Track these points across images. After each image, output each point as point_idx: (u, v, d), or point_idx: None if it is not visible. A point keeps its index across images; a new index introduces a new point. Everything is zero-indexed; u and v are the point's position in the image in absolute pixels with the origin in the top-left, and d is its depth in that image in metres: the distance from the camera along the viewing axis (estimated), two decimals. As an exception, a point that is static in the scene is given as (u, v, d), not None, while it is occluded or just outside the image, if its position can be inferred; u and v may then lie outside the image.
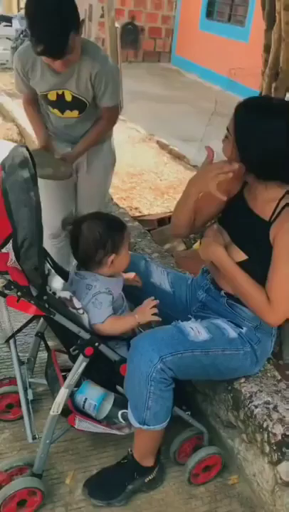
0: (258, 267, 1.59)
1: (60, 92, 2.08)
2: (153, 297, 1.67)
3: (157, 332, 1.60)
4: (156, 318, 1.64)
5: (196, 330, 1.61)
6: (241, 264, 1.61)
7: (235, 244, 1.66)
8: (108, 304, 1.60)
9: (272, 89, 2.64)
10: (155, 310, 1.64)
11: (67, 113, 2.15)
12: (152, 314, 1.64)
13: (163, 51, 11.13)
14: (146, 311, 1.64)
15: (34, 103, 2.26)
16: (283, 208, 1.56)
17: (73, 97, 2.09)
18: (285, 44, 2.52)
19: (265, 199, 1.61)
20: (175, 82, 9.18)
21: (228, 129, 1.57)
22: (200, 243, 1.76)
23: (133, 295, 1.77)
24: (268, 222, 1.59)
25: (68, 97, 2.09)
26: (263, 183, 1.58)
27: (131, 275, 1.80)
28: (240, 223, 1.67)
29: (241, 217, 1.68)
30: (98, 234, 1.58)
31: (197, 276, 1.93)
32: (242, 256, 1.62)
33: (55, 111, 2.17)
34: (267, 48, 2.70)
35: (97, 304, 1.59)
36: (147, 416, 1.53)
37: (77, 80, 2.05)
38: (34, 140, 4.87)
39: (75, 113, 2.15)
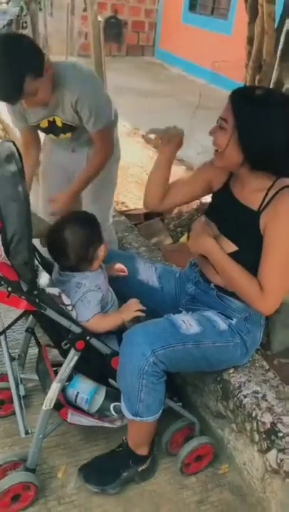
0: (249, 257, 1.59)
1: (50, 119, 2.15)
2: (137, 300, 1.69)
3: (149, 325, 1.61)
4: (140, 313, 1.66)
5: (188, 322, 1.63)
6: (232, 256, 1.61)
7: (224, 235, 1.66)
8: (97, 302, 1.61)
9: (256, 82, 2.66)
10: (140, 307, 1.67)
11: (62, 136, 2.24)
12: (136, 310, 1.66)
13: (146, 45, 11.09)
14: (132, 308, 1.66)
15: (30, 143, 2.33)
16: (273, 197, 1.56)
17: (63, 123, 2.15)
18: (267, 36, 2.53)
19: (253, 189, 1.61)
20: (159, 76, 9.16)
21: (223, 120, 1.53)
22: (187, 236, 1.77)
23: (120, 293, 1.77)
24: (256, 211, 1.60)
25: (59, 123, 2.16)
26: (253, 174, 1.59)
27: (115, 266, 1.82)
28: (228, 214, 1.67)
29: (229, 208, 1.68)
30: (84, 235, 1.59)
31: (185, 269, 1.94)
32: (232, 247, 1.63)
33: (50, 135, 2.27)
34: (250, 41, 2.70)
35: (86, 302, 1.59)
36: (140, 408, 1.55)
37: (62, 109, 2.09)
38: (19, 137, 4.84)
39: (69, 134, 2.23)
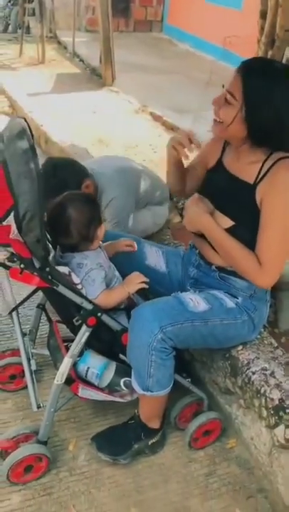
0: (246, 232, 1.58)
1: None
2: (139, 272, 1.70)
3: (158, 303, 1.62)
4: (144, 285, 1.68)
5: (195, 300, 1.63)
6: (228, 231, 1.60)
7: (219, 211, 1.64)
8: (101, 279, 1.62)
9: (269, 57, 2.61)
10: (143, 278, 1.68)
11: None
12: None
13: (154, 20, 10.85)
14: (135, 280, 1.67)
15: None
16: (269, 169, 1.54)
17: None
18: (281, 10, 2.48)
19: (248, 161, 1.59)
20: (167, 52, 9.00)
21: (230, 93, 1.50)
22: (181, 216, 1.77)
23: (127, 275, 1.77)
24: (252, 184, 1.57)
25: None
26: (252, 148, 1.57)
27: (123, 242, 1.83)
28: (223, 189, 1.65)
29: (223, 183, 1.66)
30: (87, 211, 1.60)
31: (187, 252, 1.94)
32: (228, 222, 1.61)
33: None
34: (263, 14, 2.65)
35: (90, 281, 1.60)
36: (150, 383, 1.57)
37: None
38: (26, 113, 4.81)
39: None
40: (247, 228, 1.58)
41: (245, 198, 1.58)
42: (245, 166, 1.60)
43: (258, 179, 1.56)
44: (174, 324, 1.55)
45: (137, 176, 2.47)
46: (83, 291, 1.59)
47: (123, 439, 1.75)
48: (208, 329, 1.63)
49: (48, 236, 1.68)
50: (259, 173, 1.56)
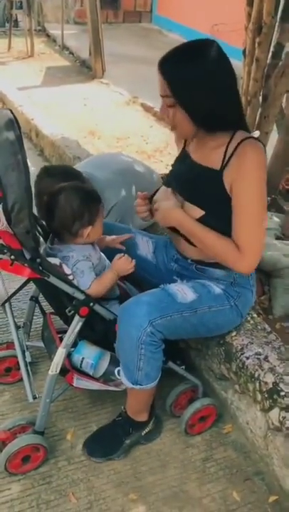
0: (217, 220, 1.56)
1: None
2: (122, 254, 1.69)
3: (145, 296, 1.61)
4: (131, 265, 1.67)
5: (183, 291, 1.63)
6: (200, 221, 1.58)
7: (189, 202, 1.62)
8: (89, 270, 1.62)
9: (256, 45, 2.61)
10: (130, 263, 1.67)
11: None
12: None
13: (144, 11, 10.78)
14: (122, 264, 1.66)
15: None
16: (233, 152, 1.51)
17: None
18: (268, -4, 2.47)
19: (211, 147, 1.57)
20: (157, 43, 8.95)
21: (164, 97, 1.49)
22: (150, 212, 1.72)
23: None
24: (218, 170, 1.54)
25: None
26: (211, 134, 1.55)
27: (113, 238, 1.83)
28: (190, 179, 1.62)
29: (189, 173, 1.64)
30: (76, 205, 1.57)
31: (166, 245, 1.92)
32: (198, 212, 1.58)
33: None
34: (250, 1, 2.64)
35: (79, 272, 1.60)
36: (139, 376, 1.58)
37: None
38: (17, 107, 4.79)
39: None
40: (218, 216, 1.56)
41: (213, 185, 1.55)
42: (209, 152, 1.58)
43: (224, 164, 1.53)
44: (163, 317, 1.55)
45: (135, 175, 2.46)
46: (75, 282, 1.60)
47: (113, 437, 1.75)
48: (198, 318, 1.63)
49: (38, 227, 1.70)
50: (224, 157, 1.53)
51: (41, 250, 1.62)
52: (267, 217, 1.58)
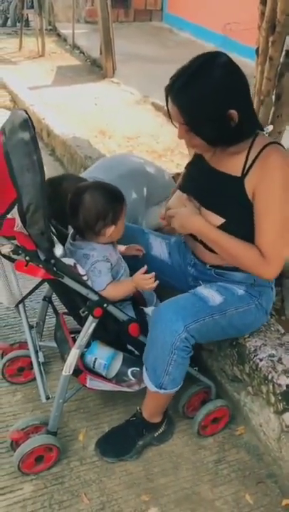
0: (238, 226, 1.55)
1: None
2: (146, 266, 1.66)
3: (178, 301, 1.61)
4: (153, 285, 1.63)
5: (210, 294, 1.63)
6: (220, 228, 1.56)
7: (206, 209, 1.60)
8: (107, 271, 1.62)
9: (270, 44, 2.58)
10: (150, 276, 1.63)
11: None
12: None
13: (154, 9, 10.76)
14: (143, 278, 1.63)
15: None
16: (255, 158, 1.50)
17: None
18: (281, -5, 2.44)
19: (229, 152, 1.55)
20: (168, 41, 8.93)
21: (179, 123, 1.49)
22: (164, 217, 1.68)
23: (135, 268, 1.75)
24: (239, 177, 1.52)
25: None
26: (230, 146, 1.53)
27: (126, 247, 1.81)
28: (208, 185, 1.59)
29: (207, 178, 1.61)
30: (100, 205, 1.57)
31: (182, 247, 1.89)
32: (218, 220, 1.56)
33: None
34: (263, 0, 2.62)
35: (96, 272, 1.60)
36: (165, 381, 1.58)
37: None
38: (28, 106, 4.80)
39: None
40: (239, 223, 1.55)
41: (234, 192, 1.53)
42: (228, 157, 1.56)
43: (245, 170, 1.51)
44: (197, 321, 1.55)
45: (144, 176, 2.44)
46: (89, 283, 1.59)
47: (126, 438, 1.75)
48: (227, 320, 1.63)
49: (53, 228, 1.69)
50: (245, 164, 1.51)
51: (60, 250, 1.62)
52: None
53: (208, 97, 1.41)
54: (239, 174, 1.53)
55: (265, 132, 1.59)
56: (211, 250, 1.64)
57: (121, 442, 1.75)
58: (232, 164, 1.55)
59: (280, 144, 1.53)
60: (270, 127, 1.66)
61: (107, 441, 1.77)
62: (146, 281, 1.63)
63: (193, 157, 1.70)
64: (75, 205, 1.59)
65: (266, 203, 1.50)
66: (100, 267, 1.61)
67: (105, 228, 1.60)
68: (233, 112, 1.43)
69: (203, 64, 1.45)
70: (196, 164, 1.68)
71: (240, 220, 1.54)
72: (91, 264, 1.60)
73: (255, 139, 1.53)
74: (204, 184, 1.62)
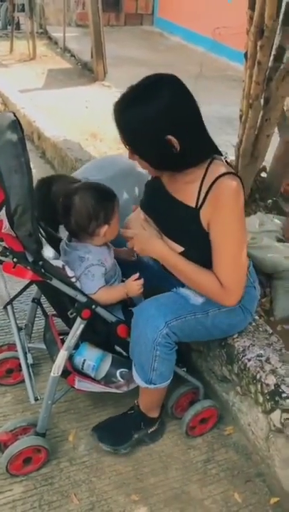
0: (198, 254, 1.55)
1: None
2: (138, 273, 1.68)
3: (160, 298, 1.63)
4: (141, 290, 1.66)
5: (193, 294, 1.64)
6: (180, 255, 1.56)
7: (167, 236, 1.59)
8: (100, 275, 1.63)
9: (258, 48, 2.61)
10: (141, 282, 1.66)
11: None
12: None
13: (145, 13, 10.79)
14: (135, 285, 1.66)
15: None
16: (209, 189, 1.48)
17: None
18: (269, 0, 2.48)
19: (185, 181, 1.54)
20: (158, 45, 8.97)
21: (127, 148, 1.50)
22: (122, 233, 1.66)
23: (125, 274, 1.77)
24: (195, 208, 1.51)
25: None
26: (180, 172, 1.52)
27: (123, 250, 1.81)
28: (167, 213, 1.58)
29: (165, 205, 1.59)
30: (91, 205, 1.58)
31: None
32: (178, 248, 1.56)
33: None
34: (251, 5, 2.63)
35: (90, 275, 1.61)
36: (153, 376, 1.60)
37: None
38: (19, 109, 4.80)
39: None
40: (198, 251, 1.55)
41: (191, 222, 1.53)
42: (183, 186, 1.55)
43: (200, 202, 1.51)
44: (178, 318, 1.57)
45: (136, 176, 2.44)
46: (77, 284, 1.60)
47: (123, 429, 1.77)
48: (210, 320, 1.65)
49: (42, 230, 1.70)
50: (199, 194, 1.50)
51: (49, 252, 1.63)
52: (246, 247, 1.57)
53: (148, 120, 1.39)
54: (194, 205, 1.52)
55: (223, 156, 1.57)
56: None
57: (118, 432, 1.77)
58: (186, 193, 1.54)
59: (234, 174, 1.51)
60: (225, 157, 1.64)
61: (105, 429, 1.79)
62: (137, 287, 1.65)
63: (152, 177, 1.69)
64: (67, 207, 1.59)
65: (221, 236, 1.50)
66: (94, 271, 1.62)
67: (99, 228, 1.60)
68: (172, 139, 1.40)
69: (149, 86, 1.42)
70: (154, 186, 1.66)
71: (200, 248, 1.54)
72: (85, 267, 1.61)
73: (209, 167, 1.51)
74: (162, 210, 1.60)
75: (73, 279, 1.60)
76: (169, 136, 1.40)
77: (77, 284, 1.60)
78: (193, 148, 1.47)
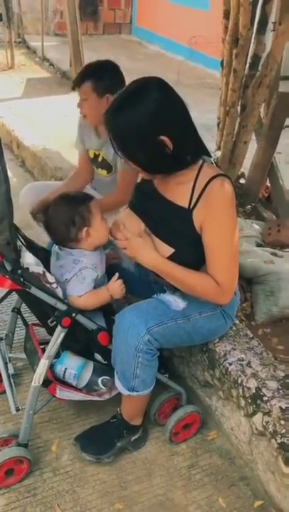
0: (187, 256, 1.56)
1: (96, 152, 2.33)
2: (117, 273, 1.70)
3: (141, 305, 1.63)
4: (123, 291, 1.69)
5: (174, 300, 1.65)
6: (170, 258, 1.56)
7: (157, 237, 1.59)
8: (91, 280, 1.64)
9: (233, 56, 2.65)
10: (121, 282, 1.68)
11: (99, 170, 2.38)
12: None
13: (123, 22, 10.87)
14: (117, 287, 1.68)
15: (82, 172, 2.47)
16: (202, 191, 1.50)
17: (103, 158, 2.31)
18: (243, 9, 2.51)
19: (177, 182, 1.55)
20: (137, 54, 9.03)
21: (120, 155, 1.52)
22: (111, 232, 1.63)
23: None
24: (187, 209, 1.52)
25: (100, 158, 2.33)
26: (173, 174, 1.54)
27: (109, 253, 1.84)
28: (158, 214, 1.58)
29: (155, 205, 1.60)
30: (63, 213, 1.61)
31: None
32: (168, 250, 1.56)
33: (93, 165, 2.43)
34: (226, 14, 2.68)
35: (81, 278, 1.62)
36: (136, 383, 1.59)
37: (107, 145, 2.16)
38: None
39: (104, 172, 2.35)
40: (188, 253, 1.56)
41: (183, 223, 1.54)
42: (175, 186, 1.56)
43: (193, 203, 1.52)
44: (159, 324, 1.57)
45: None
46: (58, 291, 1.60)
47: (106, 437, 1.76)
48: (191, 325, 1.65)
49: (21, 238, 1.69)
50: (192, 195, 1.52)
51: (29, 259, 1.62)
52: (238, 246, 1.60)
53: (140, 123, 1.41)
54: (186, 206, 1.53)
55: (212, 158, 1.60)
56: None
57: (101, 441, 1.76)
58: (179, 194, 1.55)
59: (225, 176, 1.53)
60: (218, 153, 1.67)
61: (88, 438, 1.77)
62: (119, 287, 1.67)
63: (141, 179, 1.70)
64: (46, 223, 1.65)
65: (216, 237, 1.51)
66: (85, 274, 1.63)
67: (79, 232, 1.62)
68: (165, 139, 1.42)
69: (137, 90, 1.44)
70: (144, 187, 1.67)
71: (189, 250, 1.55)
72: (79, 269, 1.63)
73: (201, 168, 1.53)
74: (153, 211, 1.60)
75: (54, 285, 1.59)
76: (162, 137, 1.42)
77: (59, 290, 1.60)
78: (186, 148, 1.49)
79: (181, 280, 1.58)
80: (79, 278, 1.62)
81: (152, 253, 1.56)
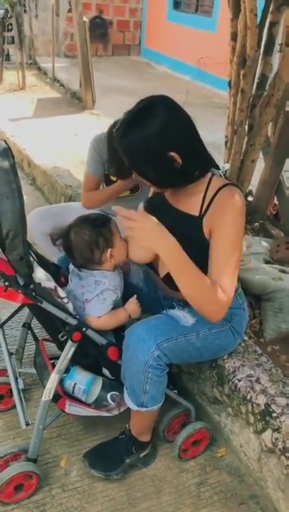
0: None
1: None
2: (135, 295, 1.73)
3: (151, 320, 1.64)
4: (140, 310, 1.72)
5: (183, 315, 1.66)
6: None
7: None
8: (111, 302, 1.67)
9: (241, 77, 2.71)
10: (138, 303, 1.72)
11: (124, 192, 2.38)
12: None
13: (132, 44, 11.11)
14: (132, 303, 1.72)
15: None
16: (212, 199, 1.54)
17: None
18: (250, 32, 2.57)
19: (188, 193, 1.59)
20: (146, 75, 9.19)
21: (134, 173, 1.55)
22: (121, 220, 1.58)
23: None
24: (198, 217, 1.56)
25: None
26: (183, 187, 1.58)
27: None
28: (169, 224, 1.51)
29: (165, 215, 1.58)
30: (88, 237, 1.63)
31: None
32: None
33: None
34: (234, 36, 2.75)
35: (102, 299, 1.65)
36: (145, 399, 1.60)
37: None
38: (9, 137, 4.87)
39: (126, 192, 2.37)
40: (196, 261, 1.53)
41: (193, 231, 1.56)
42: (186, 198, 1.60)
43: (203, 211, 1.56)
44: (169, 340, 1.58)
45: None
46: (69, 305, 1.62)
47: (115, 454, 1.76)
48: (201, 341, 1.66)
49: (33, 253, 1.72)
50: (202, 203, 1.56)
51: (40, 274, 1.64)
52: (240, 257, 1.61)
53: (148, 140, 1.44)
54: (197, 214, 1.57)
55: (221, 171, 1.64)
56: (176, 288, 1.54)
57: (110, 458, 1.75)
58: (189, 204, 1.59)
59: (235, 185, 1.57)
60: (227, 165, 1.70)
61: (96, 455, 1.77)
62: (137, 308, 1.71)
63: (153, 193, 1.74)
64: (67, 248, 1.66)
65: (224, 243, 1.52)
66: (106, 296, 1.65)
67: (103, 254, 1.64)
68: (174, 155, 1.45)
69: (144, 108, 1.47)
70: (155, 200, 1.71)
71: (198, 258, 1.54)
72: (101, 290, 1.65)
73: (210, 181, 1.57)
74: (163, 221, 1.55)
75: (65, 300, 1.61)
76: (171, 153, 1.45)
77: (70, 305, 1.62)
78: (195, 162, 1.53)
79: (192, 275, 1.47)
80: (100, 299, 1.65)
81: (172, 240, 1.45)
